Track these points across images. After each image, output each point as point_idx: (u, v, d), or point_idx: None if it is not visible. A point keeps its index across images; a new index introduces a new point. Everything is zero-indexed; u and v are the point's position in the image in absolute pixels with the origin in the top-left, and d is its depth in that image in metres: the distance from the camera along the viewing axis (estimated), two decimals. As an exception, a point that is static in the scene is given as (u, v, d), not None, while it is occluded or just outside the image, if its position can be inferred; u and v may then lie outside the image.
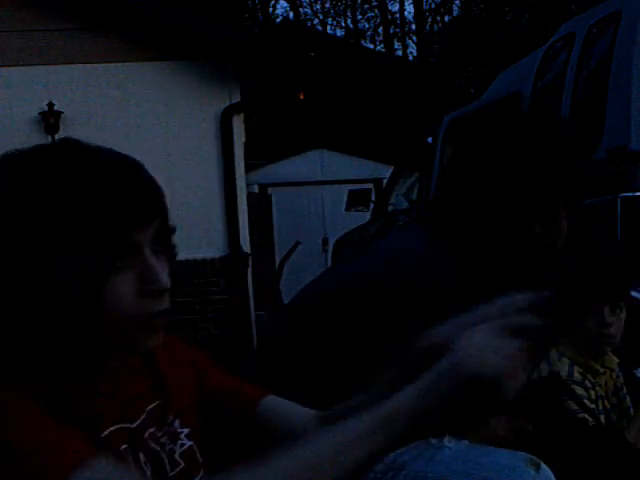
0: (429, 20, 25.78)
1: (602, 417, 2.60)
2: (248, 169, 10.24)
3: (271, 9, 25.87)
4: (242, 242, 8.58)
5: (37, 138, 8.25)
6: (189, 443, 1.28)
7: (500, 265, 1.92)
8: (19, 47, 8.13)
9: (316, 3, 26.84)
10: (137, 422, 1.21)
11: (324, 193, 15.29)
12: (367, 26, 26.62)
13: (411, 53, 26.27)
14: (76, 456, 1.04)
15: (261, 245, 11.32)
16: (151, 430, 1.23)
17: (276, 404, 1.40)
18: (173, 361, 1.34)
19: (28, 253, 1.09)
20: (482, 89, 8.80)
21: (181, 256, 1.26)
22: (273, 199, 14.98)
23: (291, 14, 26.01)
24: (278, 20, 24.82)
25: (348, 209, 10.32)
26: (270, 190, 15.07)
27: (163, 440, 1.24)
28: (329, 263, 11.75)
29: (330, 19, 26.85)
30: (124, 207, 1.10)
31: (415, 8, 24.98)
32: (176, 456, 1.26)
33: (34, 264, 1.09)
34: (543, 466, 1.63)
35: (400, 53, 26.05)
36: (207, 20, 9.24)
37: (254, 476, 1.08)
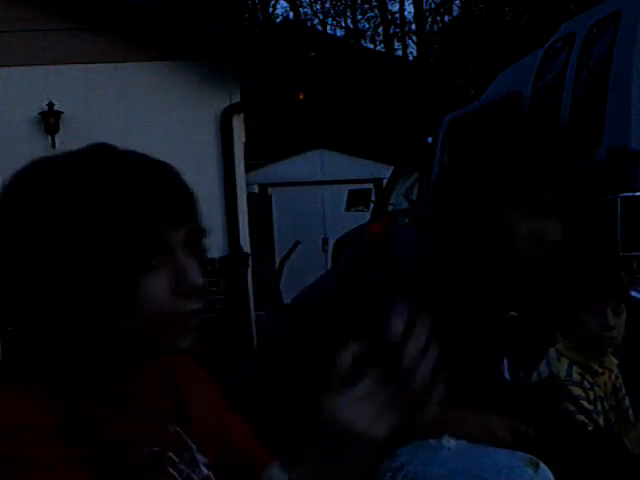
0: (429, 20, 25.77)
1: (601, 418, 2.60)
2: (248, 169, 10.23)
3: (271, 9, 25.89)
4: (242, 242, 8.57)
5: (37, 138, 8.25)
6: (207, 472, 1.23)
7: (492, 265, 1.92)
8: (19, 47, 8.13)
9: (316, 3, 26.86)
10: (160, 445, 1.17)
11: (324, 193, 15.29)
12: (367, 26, 26.64)
13: (411, 53, 26.29)
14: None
15: (261, 245, 11.32)
16: (169, 454, 1.18)
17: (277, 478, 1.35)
18: (191, 382, 1.30)
19: (50, 254, 1.08)
20: (482, 89, 8.80)
21: (181, 256, 1.25)
22: (273, 199, 14.99)
23: (291, 14, 26.03)
24: (278, 20, 24.82)
25: (348, 209, 10.32)
26: (270, 190, 15.07)
27: (182, 467, 1.19)
28: (329, 263, 11.75)
29: (330, 19, 26.87)
30: (158, 206, 1.11)
31: (415, 8, 24.98)
32: None
33: (61, 265, 1.08)
34: (542, 466, 1.63)
35: (400, 53, 26.05)
36: (207, 20, 9.24)
37: None
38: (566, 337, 2.71)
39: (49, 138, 8.27)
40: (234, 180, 8.53)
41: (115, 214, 1.08)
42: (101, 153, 1.15)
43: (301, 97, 10.59)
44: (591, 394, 2.62)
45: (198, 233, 1.20)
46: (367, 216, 9.89)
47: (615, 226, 4.52)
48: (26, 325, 1.12)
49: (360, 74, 18.08)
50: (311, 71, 12.77)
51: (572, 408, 2.42)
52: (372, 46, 25.68)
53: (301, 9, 26.58)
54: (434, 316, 1.32)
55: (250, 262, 8.73)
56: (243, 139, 9.00)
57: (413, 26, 26.01)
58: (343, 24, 26.89)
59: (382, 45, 26.08)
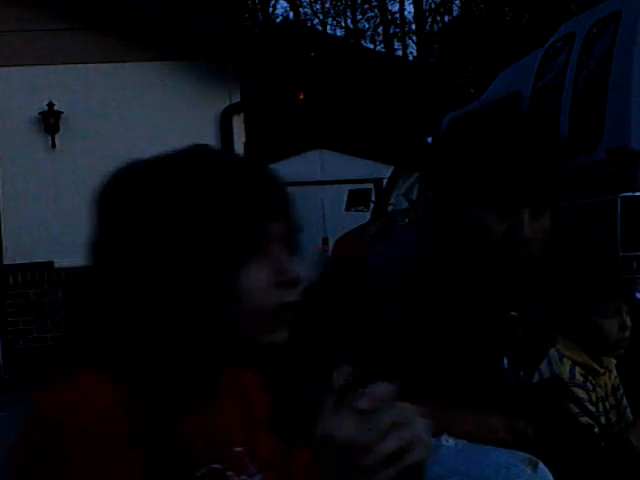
0: (429, 20, 25.79)
1: (602, 418, 2.60)
2: (248, 169, 10.22)
3: (271, 9, 25.90)
4: (242, 242, 8.58)
5: (37, 138, 8.26)
6: None
7: (492, 265, 1.93)
8: (19, 47, 8.13)
9: (316, 3, 26.88)
10: (223, 464, 1.14)
11: (324, 193, 15.29)
12: (367, 26, 26.65)
13: (411, 53, 26.31)
14: None
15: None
16: (229, 473, 1.15)
17: None
18: (260, 400, 1.29)
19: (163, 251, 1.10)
20: (482, 89, 8.80)
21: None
22: (273, 199, 14.97)
23: (291, 14, 26.05)
24: (278, 20, 24.83)
25: (348, 209, 10.31)
26: (270, 190, 15.06)
27: None
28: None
29: (330, 19, 26.89)
30: (257, 198, 1.13)
31: (415, 8, 24.99)
32: None
33: (167, 262, 1.10)
34: (541, 465, 1.63)
35: (400, 53, 26.07)
36: (207, 20, 9.26)
37: None
38: (567, 337, 2.71)
39: (49, 138, 8.28)
40: (234, 180, 8.54)
41: (218, 206, 1.11)
42: (200, 153, 1.18)
43: (301, 97, 10.60)
44: (593, 395, 2.63)
45: (294, 229, 1.21)
46: (367, 216, 9.89)
47: (615, 226, 4.52)
48: (112, 322, 1.11)
49: (360, 74, 18.07)
50: (311, 71, 12.78)
51: (576, 410, 2.42)
52: (372, 46, 25.70)
53: (301, 9, 26.62)
54: (434, 316, 1.33)
55: (250, 262, 8.72)
56: (243, 139, 9.00)
57: (413, 26, 26.04)
58: (343, 24, 26.93)
59: (382, 45, 26.09)
